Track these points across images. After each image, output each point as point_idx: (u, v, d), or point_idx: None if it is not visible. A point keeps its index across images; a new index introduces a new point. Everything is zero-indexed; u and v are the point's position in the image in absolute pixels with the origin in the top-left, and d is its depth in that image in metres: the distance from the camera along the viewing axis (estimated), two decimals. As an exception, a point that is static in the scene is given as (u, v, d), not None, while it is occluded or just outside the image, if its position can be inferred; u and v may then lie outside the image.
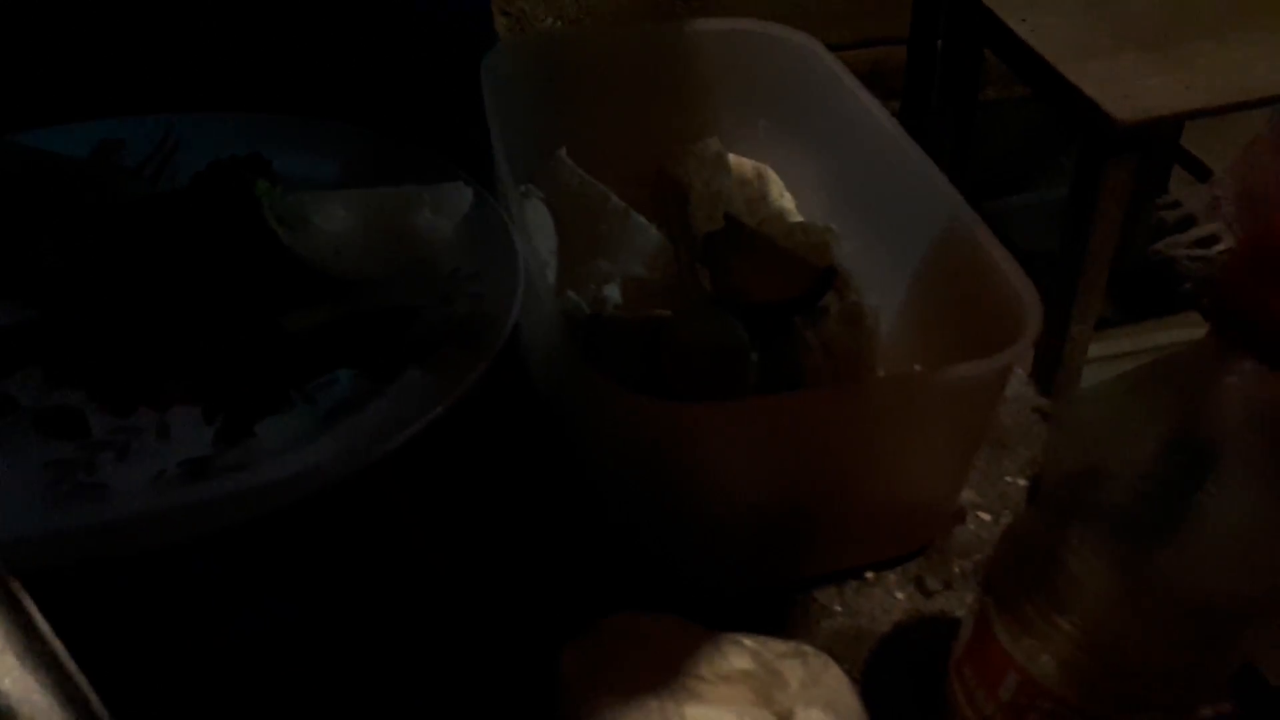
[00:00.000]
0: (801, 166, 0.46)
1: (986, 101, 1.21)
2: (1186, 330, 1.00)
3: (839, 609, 0.32)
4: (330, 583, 0.28)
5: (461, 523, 0.31)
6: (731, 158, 0.47)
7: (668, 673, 0.26)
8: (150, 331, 0.30)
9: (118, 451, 0.27)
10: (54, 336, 0.30)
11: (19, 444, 0.27)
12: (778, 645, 0.29)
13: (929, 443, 0.33)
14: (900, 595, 0.33)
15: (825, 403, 0.31)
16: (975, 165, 1.14)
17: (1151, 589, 0.21)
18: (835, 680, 0.28)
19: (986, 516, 0.37)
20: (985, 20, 0.91)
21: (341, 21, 0.46)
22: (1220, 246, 0.90)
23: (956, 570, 0.34)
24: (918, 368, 0.37)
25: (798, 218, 0.46)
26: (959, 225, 0.34)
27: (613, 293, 0.40)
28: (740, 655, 0.28)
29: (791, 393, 0.35)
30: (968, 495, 0.37)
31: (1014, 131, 1.29)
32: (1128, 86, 0.80)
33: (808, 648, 0.28)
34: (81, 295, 0.31)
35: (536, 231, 0.39)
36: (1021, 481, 0.38)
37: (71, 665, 0.15)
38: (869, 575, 0.33)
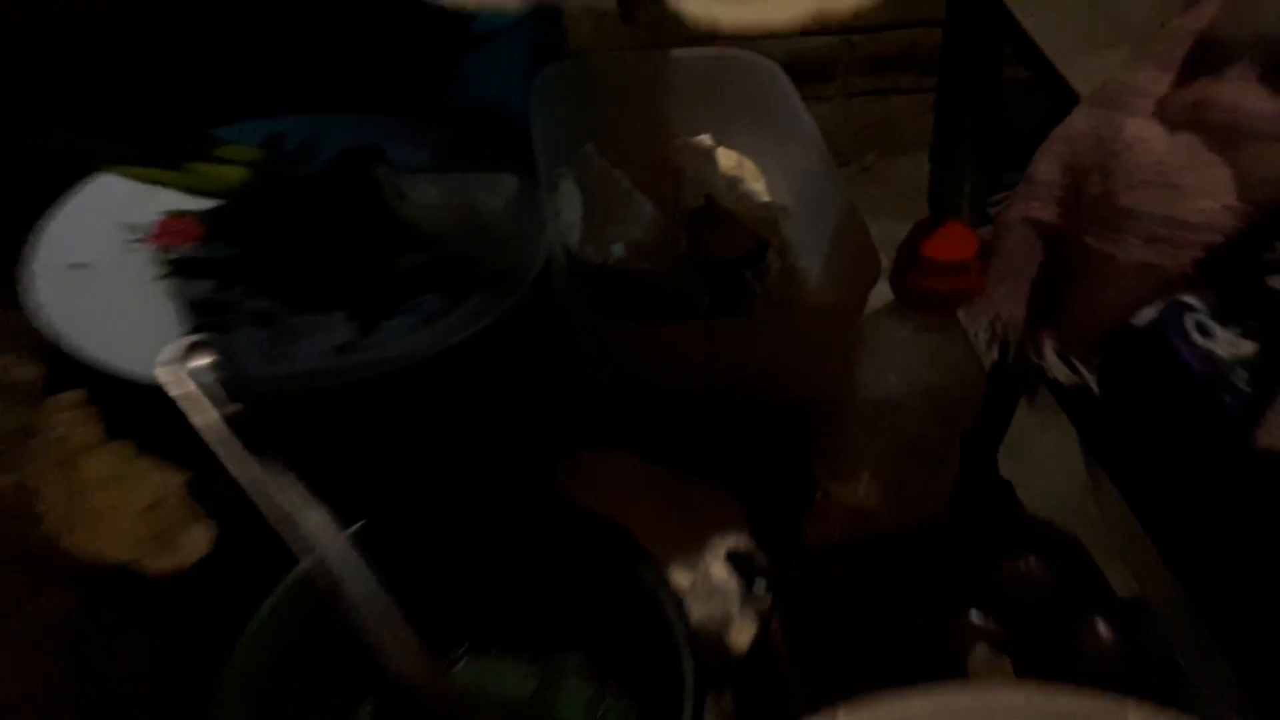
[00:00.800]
0: (772, 158, 0.61)
1: (1017, 80, 1.32)
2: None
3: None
4: (425, 419, 0.46)
5: (505, 397, 0.48)
6: (720, 150, 0.62)
7: (622, 483, 0.43)
8: (314, 265, 0.48)
9: (297, 336, 0.45)
10: (255, 266, 0.48)
11: (240, 329, 0.46)
12: (698, 484, 0.45)
13: (812, 350, 0.48)
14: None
15: (743, 326, 0.47)
16: (1001, 138, 1.26)
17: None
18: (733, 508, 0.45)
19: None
20: (996, 9, 1.02)
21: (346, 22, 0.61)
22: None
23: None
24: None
25: (765, 198, 0.61)
26: (843, 209, 0.50)
27: (618, 250, 0.56)
28: (668, 483, 0.44)
29: (725, 319, 0.51)
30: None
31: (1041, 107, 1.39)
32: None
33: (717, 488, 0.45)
34: (270, 239, 0.49)
35: (566, 204, 0.55)
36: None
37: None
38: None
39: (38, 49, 0.56)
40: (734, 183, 0.61)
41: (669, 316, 0.51)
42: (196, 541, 0.44)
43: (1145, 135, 0.36)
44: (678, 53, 0.60)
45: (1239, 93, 0.34)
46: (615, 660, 0.37)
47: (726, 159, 0.63)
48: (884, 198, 1.49)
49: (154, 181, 0.54)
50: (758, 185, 0.62)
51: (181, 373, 0.34)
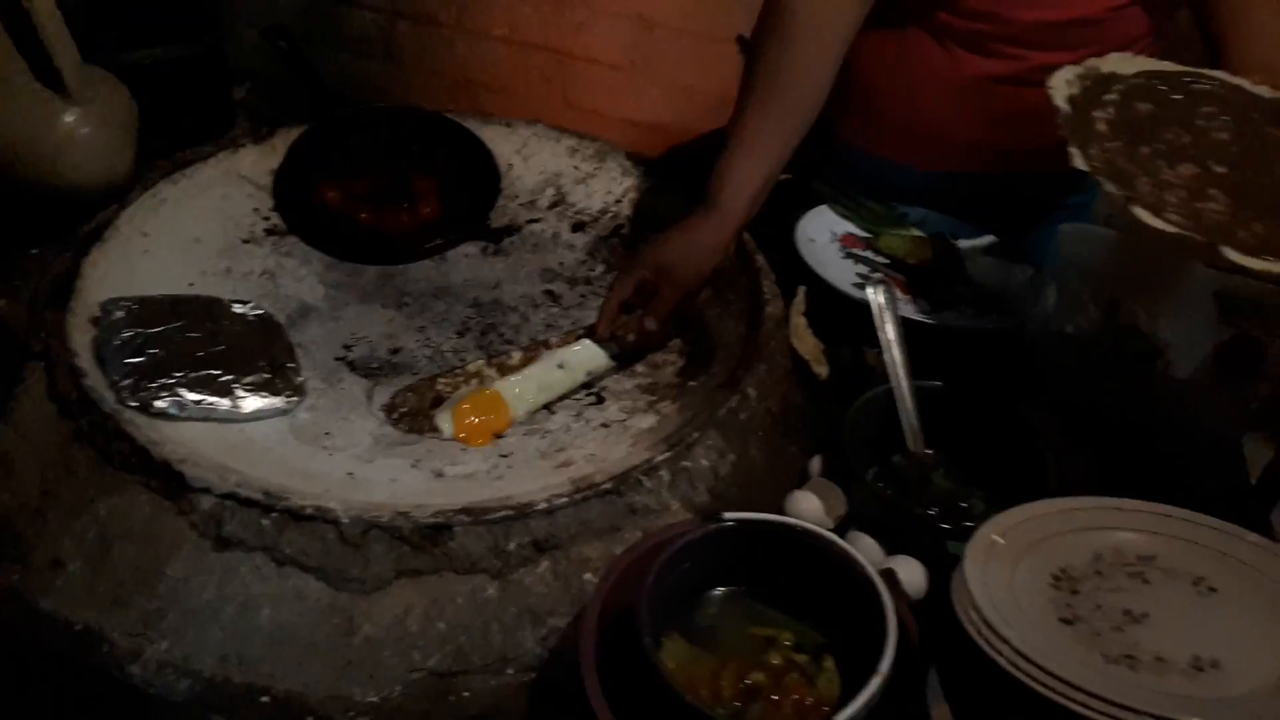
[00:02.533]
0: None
1: None
2: None
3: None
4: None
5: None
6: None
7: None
8: (939, 286, 0.99)
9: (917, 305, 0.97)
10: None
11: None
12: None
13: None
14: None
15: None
16: None
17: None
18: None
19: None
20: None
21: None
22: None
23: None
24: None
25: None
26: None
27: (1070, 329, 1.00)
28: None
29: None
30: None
31: None
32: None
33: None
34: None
35: (1048, 294, 1.01)
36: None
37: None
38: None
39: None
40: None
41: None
42: (824, 370, 0.95)
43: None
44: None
45: None
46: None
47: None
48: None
49: (852, 220, 1.08)
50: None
51: (879, 297, 0.85)
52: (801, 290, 0.99)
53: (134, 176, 1.05)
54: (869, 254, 1.06)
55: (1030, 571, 0.66)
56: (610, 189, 1.10)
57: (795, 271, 1.00)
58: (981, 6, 0.98)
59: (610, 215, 1.08)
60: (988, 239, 1.09)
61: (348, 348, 0.93)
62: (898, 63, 1.05)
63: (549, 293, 1.01)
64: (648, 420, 0.86)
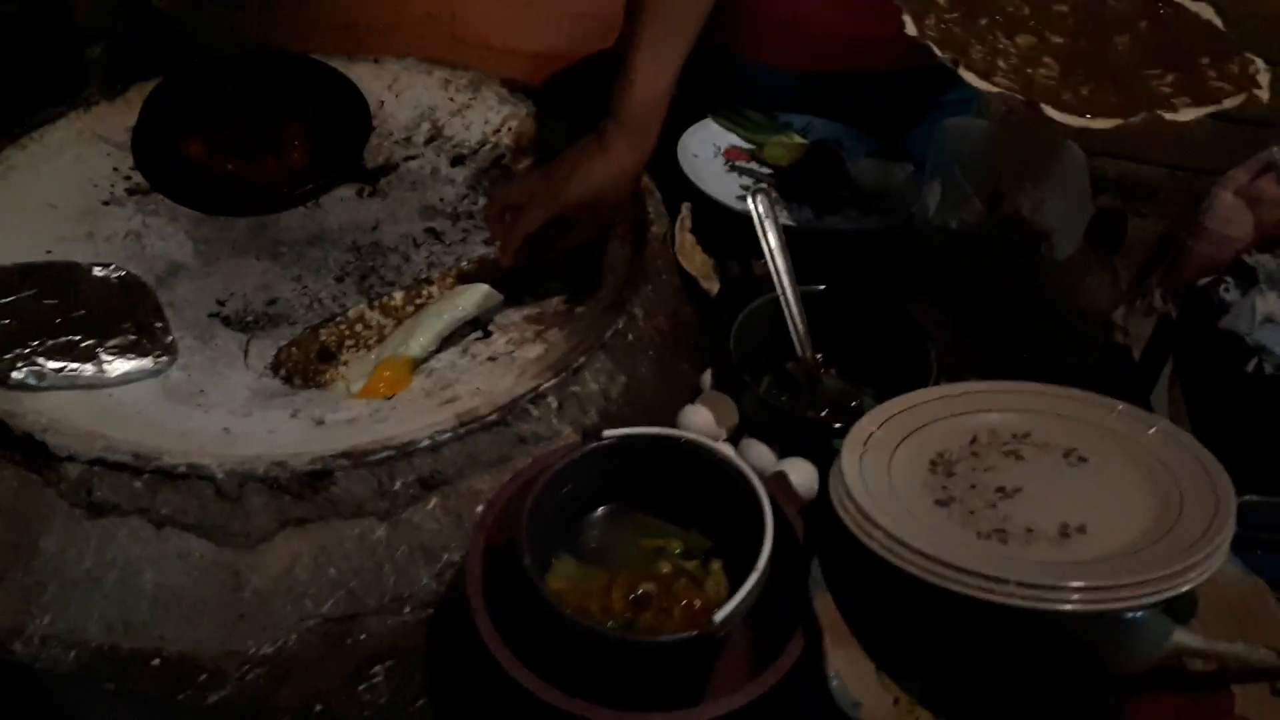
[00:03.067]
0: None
1: None
2: None
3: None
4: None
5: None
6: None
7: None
8: (811, 190, 0.99)
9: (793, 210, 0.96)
10: (781, 182, 1.00)
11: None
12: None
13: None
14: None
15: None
16: None
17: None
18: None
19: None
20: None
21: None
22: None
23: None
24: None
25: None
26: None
27: (955, 222, 1.01)
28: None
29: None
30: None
31: None
32: None
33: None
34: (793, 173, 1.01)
35: (931, 193, 1.01)
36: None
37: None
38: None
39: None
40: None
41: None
42: (714, 286, 0.95)
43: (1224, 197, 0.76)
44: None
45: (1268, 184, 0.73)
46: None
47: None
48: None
49: (736, 132, 1.07)
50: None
51: (758, 206, 0.85)
52: (686, 207, 0.98)
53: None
54: (753, 165, 1.05)
55: (908, 459, 0.67)
56: (488, 119, 1.07)
57: (681, 188, 0.99)
58: None
59: (490, 146, 1.06)
60: (871, 141, 1.09)
61: (221, 303, 0.90)
62: None
63: (431, 230, 0.98)
64: (535, 350, 0.85)
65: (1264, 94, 0.69)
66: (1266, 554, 0.67)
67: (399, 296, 0.90)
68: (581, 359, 0.79)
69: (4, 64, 1.05)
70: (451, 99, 1.08)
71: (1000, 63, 0.73)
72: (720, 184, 1.00)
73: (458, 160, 1.05)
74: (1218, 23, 0.77)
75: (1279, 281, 0.69)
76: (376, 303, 0.90)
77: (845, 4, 1.03)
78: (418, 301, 0.90)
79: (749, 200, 0.88)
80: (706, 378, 0.86)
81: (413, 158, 1.05)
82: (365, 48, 1.64)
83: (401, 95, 1.09)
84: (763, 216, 0.87)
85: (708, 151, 1.05)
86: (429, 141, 1.06)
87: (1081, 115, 0.69)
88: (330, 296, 0.91)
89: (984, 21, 0.76)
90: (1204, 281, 0.75)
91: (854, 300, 0.89)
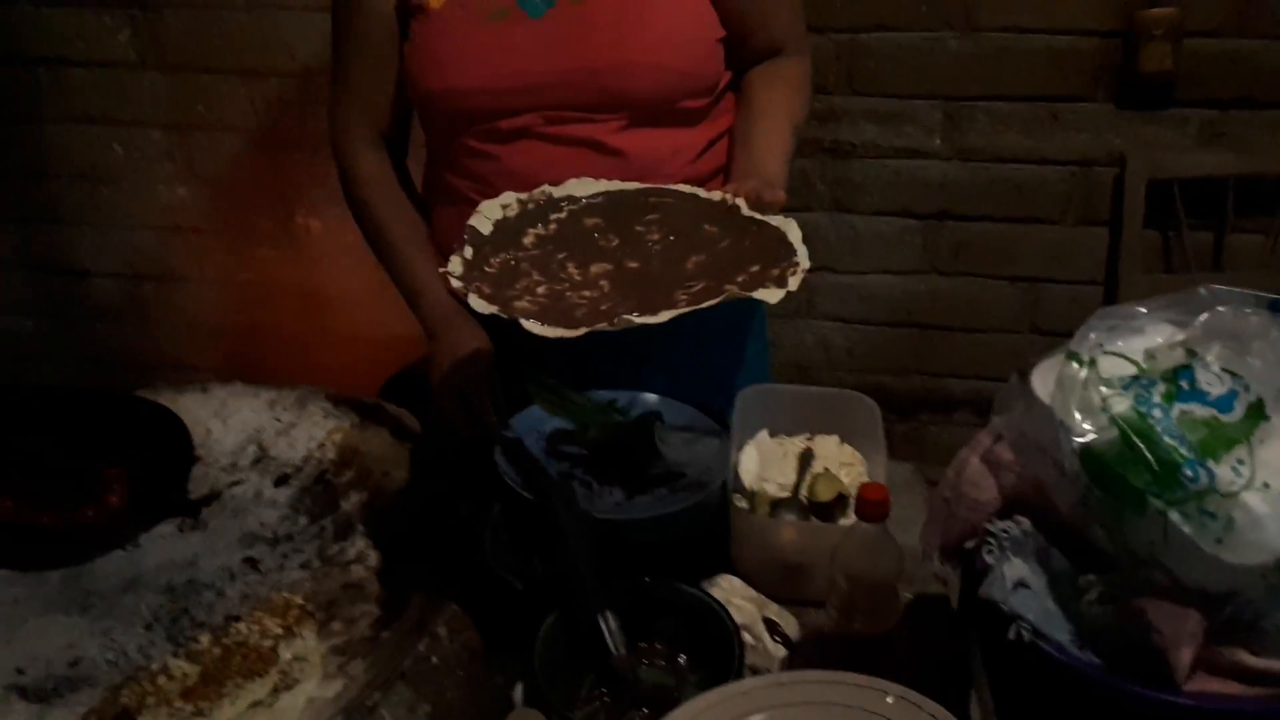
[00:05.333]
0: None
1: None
2: None
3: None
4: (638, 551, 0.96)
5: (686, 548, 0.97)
6: (843, 445, 1.09)
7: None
8: (618, 465, 1.02)
9: (594, 496, 0.98)
10: (589, 460, 1.03)
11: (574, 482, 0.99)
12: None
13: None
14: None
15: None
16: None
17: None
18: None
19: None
20: None
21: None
22: None
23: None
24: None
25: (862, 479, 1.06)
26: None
27: (771, 489, 1.04)
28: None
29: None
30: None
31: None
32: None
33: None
34: (598, 452, 1.04)
35: (745, 460, 1.05)
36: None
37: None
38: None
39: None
40: (844, 466, 1.07)
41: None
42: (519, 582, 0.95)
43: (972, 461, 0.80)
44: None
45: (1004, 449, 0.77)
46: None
47: (844, 452, 1.09)
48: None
49: (561, 416, 1.11)
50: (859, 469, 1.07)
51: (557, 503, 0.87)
52: (496, 506, 1.00)
53: None
54: (573, 449, 1.08)
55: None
56: (313, 434, 1.10)
57: (496, 483, 1.02)
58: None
59: (314, 462, 1.08)
60: (689, 411, 1.13)
61: (20, 671, 0.87)
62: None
63: (249, 559, 0.98)
64: (333, 687, 0.83)
65: (795, 287, 0.81)
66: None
67: (205, 640, 0.89)
68: (377, 696, 0.77)
69: None
70: (278, 419, 1.12)
71: (540, 290, 0.83)
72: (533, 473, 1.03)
73: (281, 480, 1.07)
74: (792, 235, 0.89)
75: (1024, 547, 0.72)
76: (183, 649, 0.88)
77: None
78: (224, 641, 0.88)
79: (553, 497, 0.90)
80: (518, 692, 0.85)
81: (237, 483, 1.06)
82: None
83: (229, 420, 1.12)
84: (563, 515, 0.89)
85: (532, 438, 1.09)
86: (255, 463, 1.09)
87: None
88: (137, 647, 0.89)
89: (563, 255, 0.88)
90: (970, 544, 0.78)
91: (665, 586, 0.90)
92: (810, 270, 0.84)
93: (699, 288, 0.82)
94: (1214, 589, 0.63)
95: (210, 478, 1.07)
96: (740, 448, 1.05)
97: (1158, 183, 1.82)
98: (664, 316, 0.77)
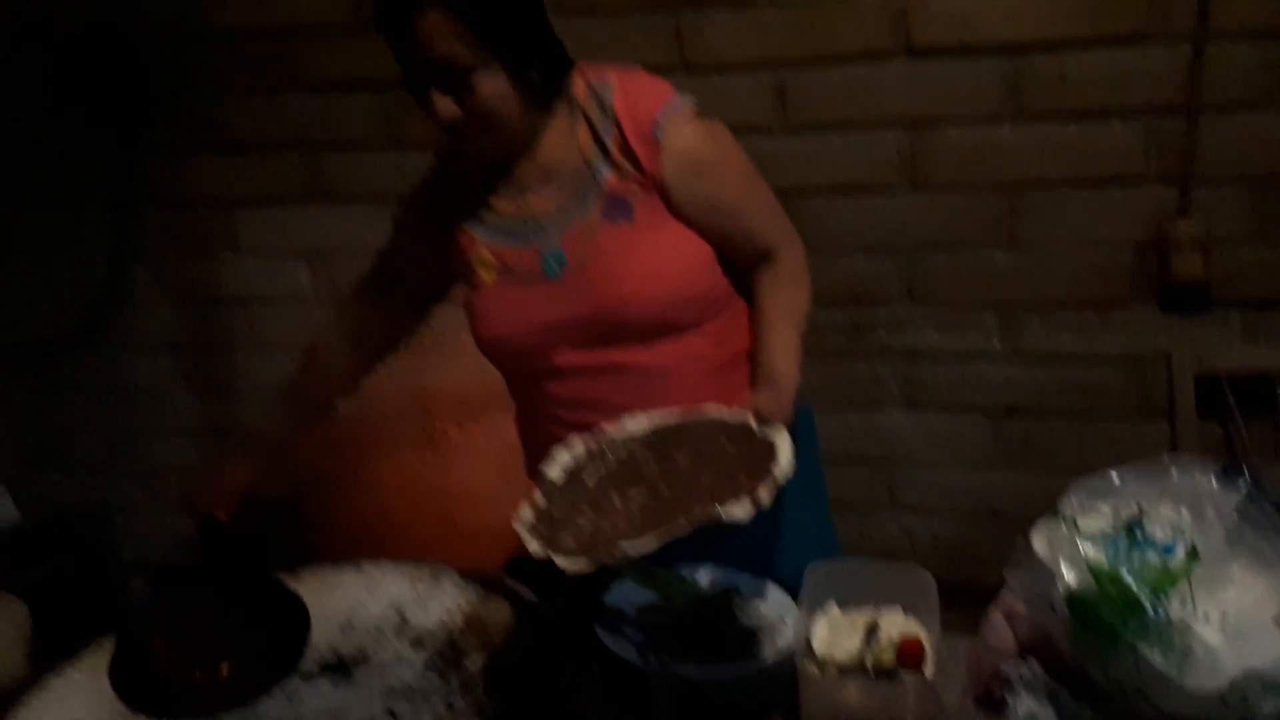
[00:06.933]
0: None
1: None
2: None
3: None
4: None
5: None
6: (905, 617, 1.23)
7: None
8: (700, 636, 1.17)
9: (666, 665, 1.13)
10: (673, 631, 1.19)
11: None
12: None
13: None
14: None
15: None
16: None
17: None
18: None
19: None
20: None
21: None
22: None
23: None
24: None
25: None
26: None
27: (839, 656, 1.18)
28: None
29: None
30: None
31: None
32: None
33: None
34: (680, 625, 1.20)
35: (815, 631, 1.20)
36: None
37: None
38: None
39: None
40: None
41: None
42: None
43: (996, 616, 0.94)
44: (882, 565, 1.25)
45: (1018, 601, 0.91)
46: None
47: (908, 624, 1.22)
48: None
49: (649, 589, 1.29)
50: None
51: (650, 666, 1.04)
52: (595, 667, 1.16)
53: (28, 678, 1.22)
54: (662, 618, 1.25)
55: None
56: (445, 604, 1.31)
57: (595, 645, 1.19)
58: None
59: (445, 628, 1.27)
60: (764, 583, 1.29)
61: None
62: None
63: (390, 711, 1.17)
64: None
65: (765, 501, 1.03)
66: None
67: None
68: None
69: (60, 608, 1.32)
70: (416, 591, 1.33)
71: (582, 521, 1.09)
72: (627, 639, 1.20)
73: (417, 643, 1.26)
74: (781, 444, 1.12)
75: (1033, 686, 0.85)
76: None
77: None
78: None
79: (644, 660, 1.07)
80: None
81: (381, 646, 1.27)
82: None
83: (375, 592, 1.33)
84: (653, 676, 1.06)
85: (625, 608, 1.26)
86: (396, 630, 1.29)
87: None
88: (299, 780, 1.07)
89: (616, 490, 1.14)
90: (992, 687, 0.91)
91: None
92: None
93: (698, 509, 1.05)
94: (1189, 714, 0.76)
95: (358, 639, 1.28)
96: (811, 616, 1.20)
97: (1207, 379, 1.95)
98: (652, 545, 1.02)
